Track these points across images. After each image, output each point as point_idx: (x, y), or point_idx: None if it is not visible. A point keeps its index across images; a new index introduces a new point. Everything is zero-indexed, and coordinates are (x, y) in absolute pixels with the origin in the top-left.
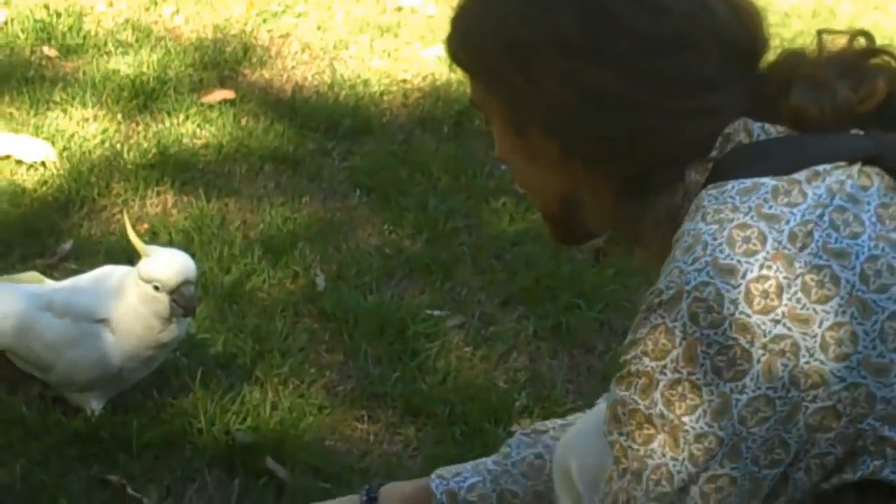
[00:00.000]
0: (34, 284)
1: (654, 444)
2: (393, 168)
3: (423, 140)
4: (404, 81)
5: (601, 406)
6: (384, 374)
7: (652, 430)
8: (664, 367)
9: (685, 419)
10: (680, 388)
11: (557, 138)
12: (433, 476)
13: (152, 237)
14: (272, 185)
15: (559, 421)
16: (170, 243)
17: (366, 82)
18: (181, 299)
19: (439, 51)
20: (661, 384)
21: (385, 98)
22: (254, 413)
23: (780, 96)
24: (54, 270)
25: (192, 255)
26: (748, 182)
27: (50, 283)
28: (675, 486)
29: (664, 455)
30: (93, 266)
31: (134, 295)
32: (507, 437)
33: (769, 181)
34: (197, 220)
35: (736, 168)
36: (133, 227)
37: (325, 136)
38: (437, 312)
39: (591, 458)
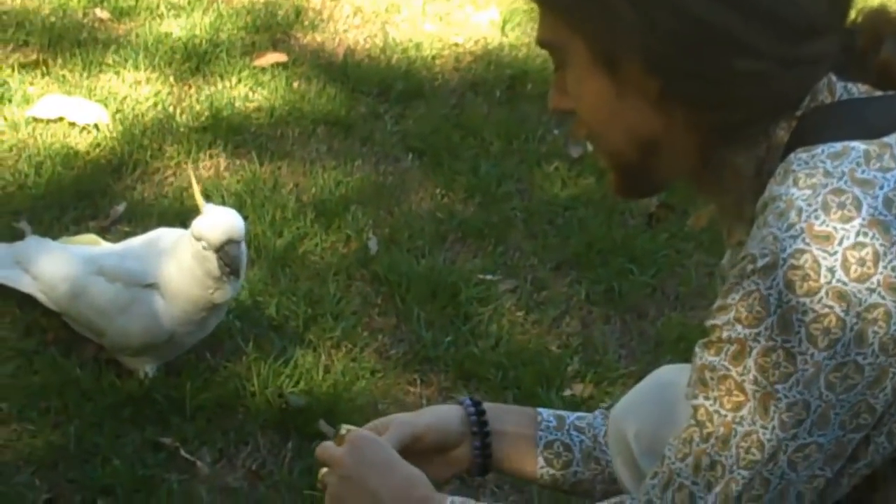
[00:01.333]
0: (90, 246)
1: (744, 412)
2: (445, 132)
3: (475, 104)
4: (456, 45)
5: (659, 371)
6: (437, 338)
7: (742, 398)
8: (758, 334)
9: (778, 387)
10: (774, 356)
11: (661, 75)
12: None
13: (205, 200)
14: (324, 149)
15: None
16: (223, 206)
17: (418, 46)
18: (225, 258)
19: (492, 14)
20: (755, 352)
21: (437, 62)
22: (306, 376)
23: (870, 51)
24: (107, 233)
25: (245, 218)
26: (838, 146)
27: (106, 246)
28: (766, 453)
29: (754, 423)
30: (146, 228)
31: (188, 253)
32: (560, 402)
33: (860, 145)
34: (249, 183)
35: (821, 128)
36: (187, 190)
37: (377, 99)
38: (489, 277)
39: (649, 423)
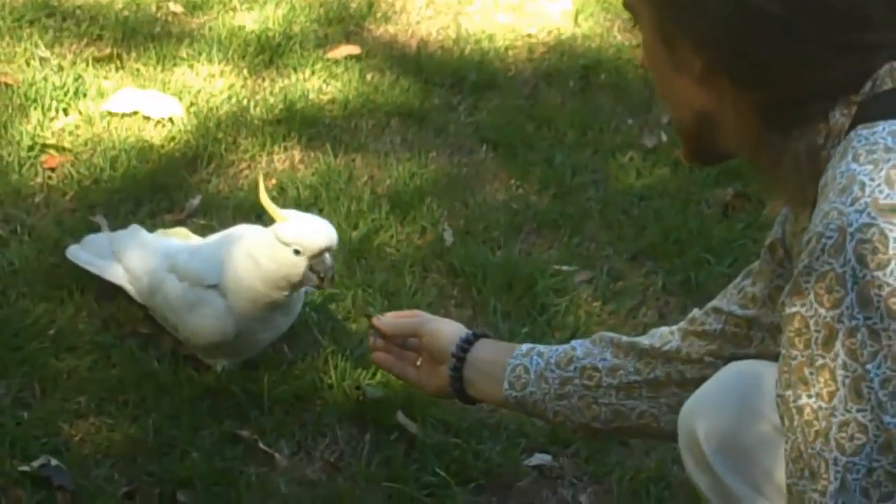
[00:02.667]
0: (176, 240)
1: (835, 401)
2: (519, 123)
3: (548, 95)
4: (529, 36)
5: (730, 367)
6: (513, 329)
7: (834, 387)
8: (841, 315)
9: (868, 367)
10: (860, 336)
11: (707, 54)
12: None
13: (280, 192)
14: (398, 141)
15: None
16: (298, 199)
17: (491, 37)
18: (320, 266)
19: (564, 4)
20: (842, 333)
21: (510, 53)
22: None
23: None
24: (183, 226)
25: (320, 211)
26: None
27: (194, 240)
28: (871, 437)
29: (848, 410)
30: (221, 221)
31: (267, 255)
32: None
33: None
34: (324, 175)
35: (882, 112)
36: (261, 183)
37: (450, 91)
38: (565, 268)
39: (721, 422)
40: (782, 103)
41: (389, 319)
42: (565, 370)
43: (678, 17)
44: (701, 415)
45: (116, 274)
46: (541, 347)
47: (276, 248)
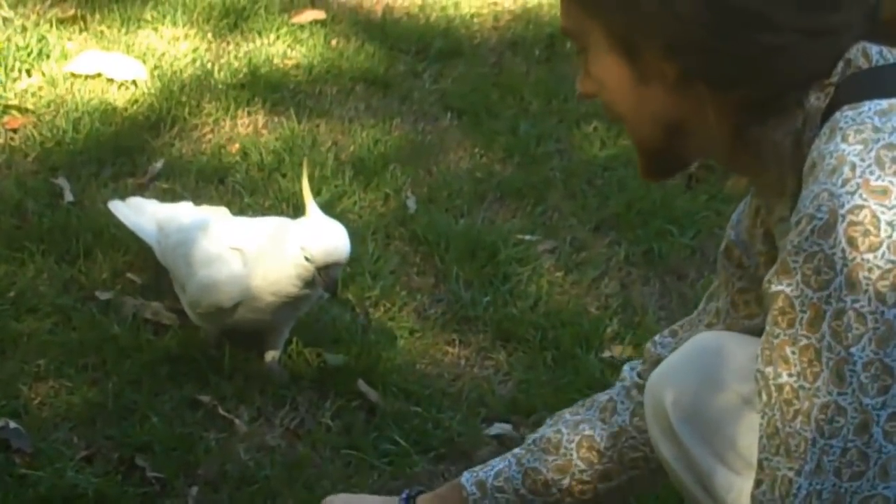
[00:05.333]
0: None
1: (819, 382)
2: (484, 91)
3: (514, 63)
4: (495, 3)
5: (698, 338)
6: (475, 298)
7: (819, 367)
8: (829, 296)
9: (853, 350)
10: (846, 319)
11: (682, 59)
12: (465, 472)
13: (243, 157)
14: (363, 107)
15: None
16: (261, 164)
17: (456, 4)
18: (326, 277)
19: None
20: (829, 315)
21: (476, 20)
22: (345, 336)
23: None
24: (145, 190)
25: (283, 176)
26: (884, 103)
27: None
28: (849, 419)
29: (830, 392)
30: (184, 185)
31: (289, 252)
32: (599, 364)
33: None
34: (288, 140)
35: (863, 89)
36: (225, 147)
37: (415, 58)
38: (528, 237)
39: (688, 391)
40: (761, 97)
41: None
42: (546, 496)
43: (646, 26)
44: (668, 384)
45: (148, 233)
46: (492, 480)
47: (293, 245)
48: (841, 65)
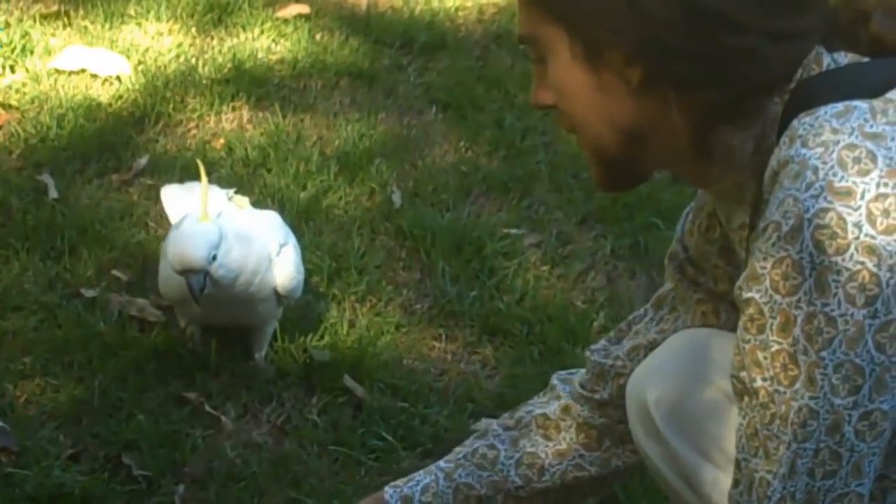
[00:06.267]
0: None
1: (798, 385)
2: (469, 85)
3: (498, 56)
4: None
5: (681, 334)
6: (461, 293)
7: (795, 371)
8: (798, 301)
9: (824, 354)
10: (816, 322)
11: (647, 61)
12: (387, 487)
13: (228, 153)
14: (348, 101)
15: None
16: (246, 159)
17: None
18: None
19: None
20: (800, 319)
21: (460, 14)
22: (331, 331)
23: (857, 24)
24: (130, 186)
25: (268, 171)
26: (840, 106)
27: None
28: (821, 421)
29: (802, 396)
30: (169, 181)
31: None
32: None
33: (861, 103)
34: (272, 135)
35: (817, 94)
36: (210, 142)
37: (400, 51)
38: (514, 231)
39: (671, 389)
40: (726, 101)
41: None
42: (492, 471)
43: (610, 29)
44: (651, 382)
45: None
46: (419, 495)
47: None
48: (799, 71)
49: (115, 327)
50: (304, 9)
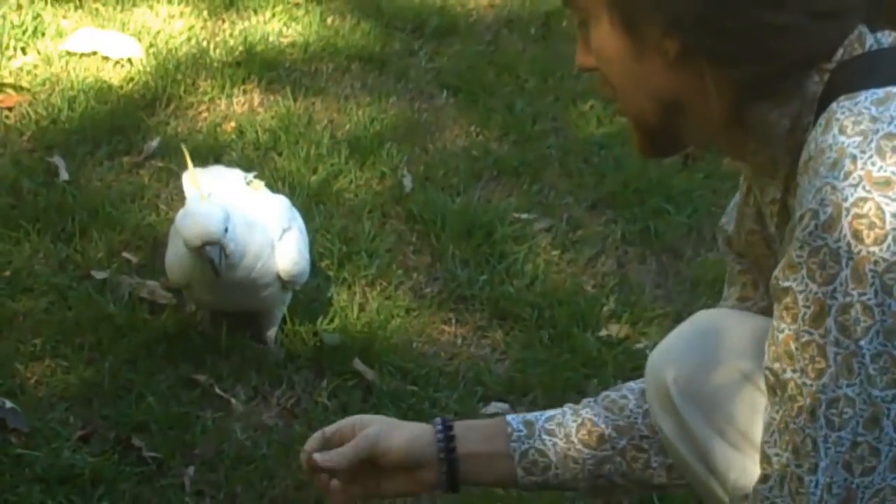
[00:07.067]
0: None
1: (825, 378)
2: (480, 69)
3: (510, 41)
4: None
5: (697, 316)
6: (472, 277)
7: (823, 364)
8: (834, 290)
9: (862, 343)
10: (853, 312)
11: (684, 35)
12: (507, 416)
13: (239, 136)
14: (359, 85)
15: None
16: (257, 142)
17: None
18: (204, 259)
19: None
20: (834, 310)
21: None
22: (341, 314)
23: None
24: (140, 168)
25: (279, 155)
26: (881, 92)
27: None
28: (858, 411)
29: (839, 387)
30: (179, 164)
31: (171, 237)
32: (596, 342)
33: None
34: (283, 119)
35: (858, 77)
36: (221, 125)
37: (411, 35)
38: (524, 216)
39: (689, 367)
40: (762, 77)
41: (335, 456)
42: (598, 450)
43: (647, 2)
44: (669, 361)
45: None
46: (542, 421)
47: (173, 231)
48: (840, 51)
49: (125, 309)
50: None
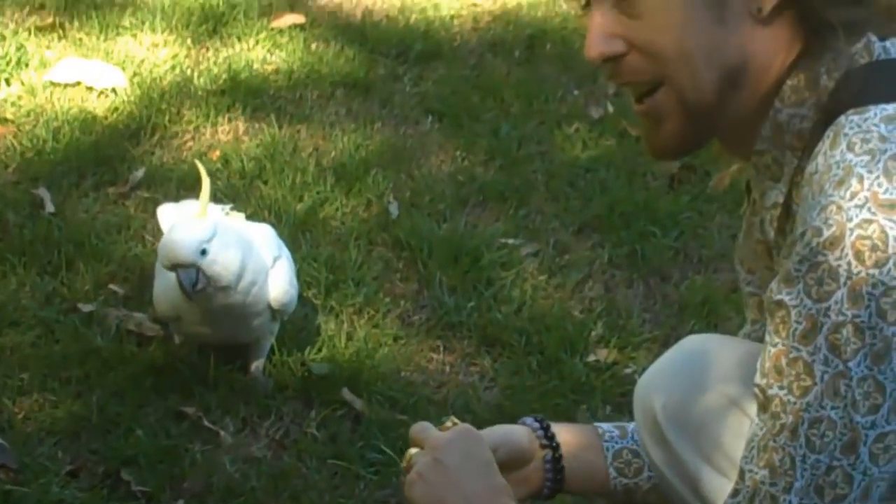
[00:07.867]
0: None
1: (810, 397)
2: (464, 93)
3: (494, 65)
4: (474, 5)
5: (685, 341)
6: (459, 304)
7: (809, 382)
8: (828, 309)
9: (850, 364)
10: (844, 332)
11: None
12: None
13: (224, 164)
14: (343, 111)
15: None
16: (242, 171)
17: (436, 6)
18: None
19: None
20: (826, 328)
21: (455, 22)
22: (329, 344)
23: None
24: (126, 199)
25: (265, 183)
26: (890, 109)
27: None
28: (838, 435)
29: (822, 407)
30: (165, 194)
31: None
32: (584, 368)
33: None
34: (269, 147)
35: (867, 88)
36: (206, 154)
37: (395, 61)
38: (511, 241)
39: (676, 393)
40: (855, 20)
41: None
42: None
43: None
44: (657, 389)
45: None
46: (633, 427)
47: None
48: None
49: (112, 342)
50: (300, 18)
